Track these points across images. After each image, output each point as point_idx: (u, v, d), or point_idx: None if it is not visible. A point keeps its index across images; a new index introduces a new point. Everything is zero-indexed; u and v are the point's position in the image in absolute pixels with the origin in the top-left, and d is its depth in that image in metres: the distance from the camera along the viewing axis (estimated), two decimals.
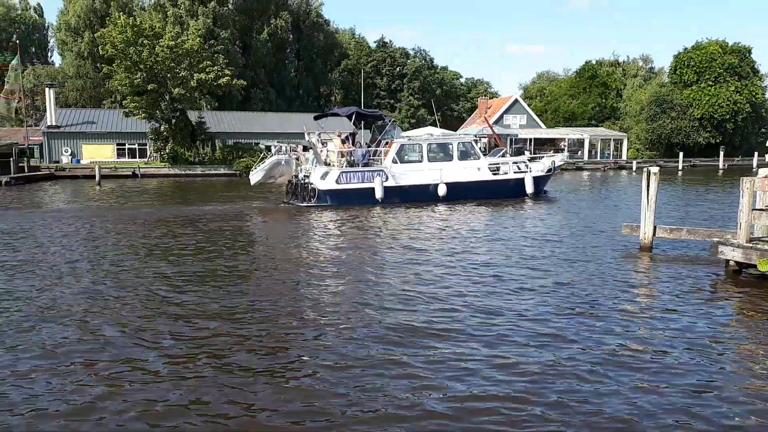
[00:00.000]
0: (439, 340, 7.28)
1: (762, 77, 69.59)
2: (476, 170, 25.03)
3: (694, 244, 13.25)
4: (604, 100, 75.24)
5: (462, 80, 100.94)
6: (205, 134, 47.87)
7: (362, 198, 22.78)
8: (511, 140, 59.72)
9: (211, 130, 49.19)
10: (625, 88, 77.73)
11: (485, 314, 8.35)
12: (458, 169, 24.60)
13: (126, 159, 49.43)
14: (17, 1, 78.40)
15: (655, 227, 12.85)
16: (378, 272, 11.16)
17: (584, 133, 62.50)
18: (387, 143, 24.90)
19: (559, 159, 30.01)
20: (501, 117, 67.23)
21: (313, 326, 7.92)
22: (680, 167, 52.77)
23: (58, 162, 47.49)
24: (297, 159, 24.57)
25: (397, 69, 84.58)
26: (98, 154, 49.00)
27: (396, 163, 23.87)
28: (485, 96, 79.28)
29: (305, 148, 24.83)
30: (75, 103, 61.30)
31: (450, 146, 25.29)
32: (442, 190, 23.63)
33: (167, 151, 45.70)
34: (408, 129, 68.64)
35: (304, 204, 22.95)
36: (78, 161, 48.15)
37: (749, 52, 66.74)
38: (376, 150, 24.42)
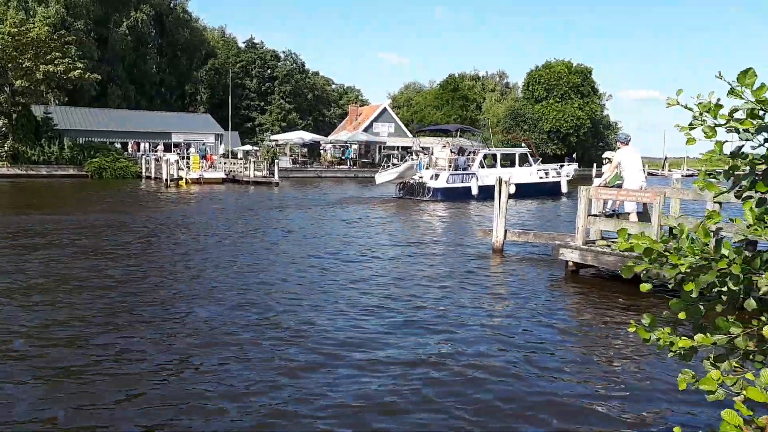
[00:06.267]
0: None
1: (600, 96, 77.65)
2: (529, 174, 31.90)
3: (541, 246, 14.44)
4: (465, 112, 79.63)
5: (334, 86, 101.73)
6: (52, 131, 43.99)
7: (462, 195, 28.85)
8: (379, 147, 61.12)
9: (59, 127, 45.40)
10: (484, 101, 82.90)
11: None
12: (520, 173, 31.05)
13: None
14: None
15: (506, 231, 13.84)
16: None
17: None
18: (472, 153, 32.31)
19: (575, 167, 38.64)
20: (371, 124, 68.45)
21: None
22: None
23: None
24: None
25: (268, 71, 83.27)
26: None
27: (482, 167, 30.57)
28: (356, 103, 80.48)
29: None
30: None
31: (514, 155, 32.64)
32: (512, 189, 28.64)
33: (6, 148, 41.36)
34: (279, 132, 67.76)
35: (423, 199, 28.59)
36: None
37: (590, 72, 74.19)
38: (471, 158, 31.51)
